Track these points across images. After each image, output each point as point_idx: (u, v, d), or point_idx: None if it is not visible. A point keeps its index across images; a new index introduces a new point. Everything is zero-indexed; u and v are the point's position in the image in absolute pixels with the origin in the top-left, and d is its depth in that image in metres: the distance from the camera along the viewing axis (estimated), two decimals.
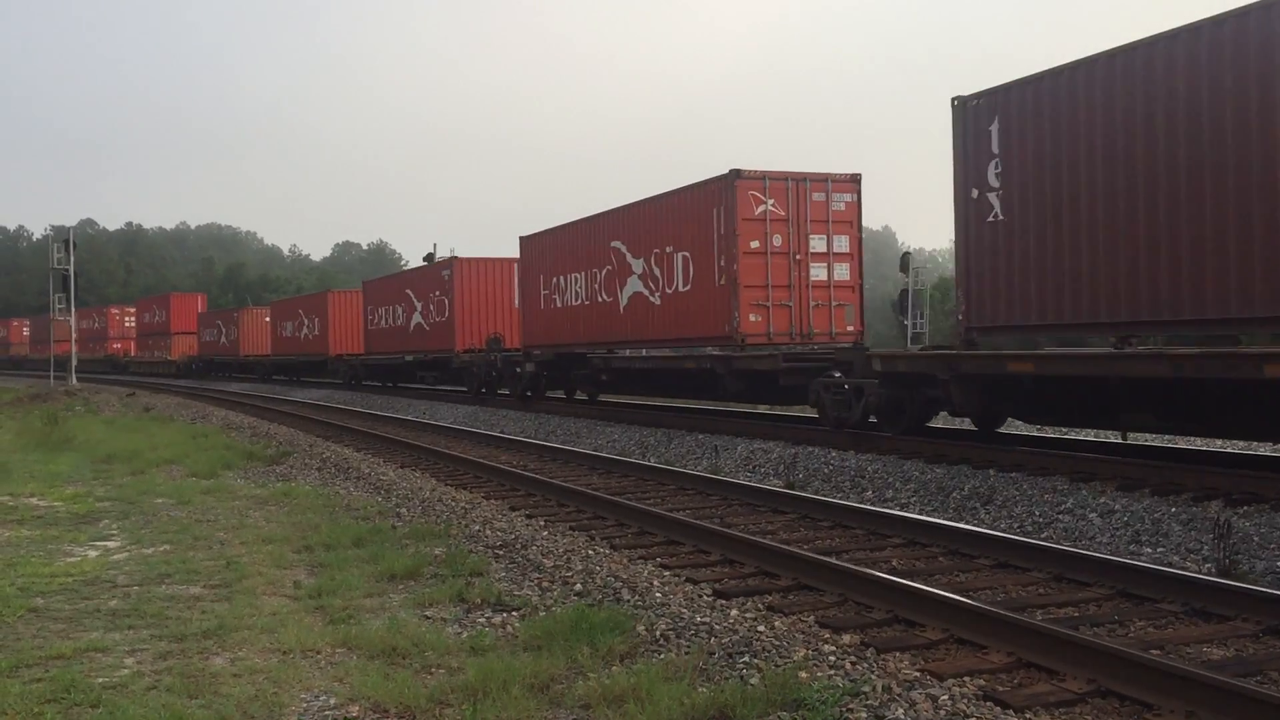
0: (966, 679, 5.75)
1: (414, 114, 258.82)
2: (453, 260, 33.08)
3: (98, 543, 10.06)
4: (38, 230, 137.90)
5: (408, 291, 36.99)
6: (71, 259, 45.90)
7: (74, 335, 48.90)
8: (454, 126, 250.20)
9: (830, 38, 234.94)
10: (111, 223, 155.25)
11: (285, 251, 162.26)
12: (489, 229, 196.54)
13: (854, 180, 19.67)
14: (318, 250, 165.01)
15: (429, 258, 42.44)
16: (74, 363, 48.43)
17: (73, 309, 47.34)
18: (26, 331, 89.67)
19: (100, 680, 5.80)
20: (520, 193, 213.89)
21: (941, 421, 16.92)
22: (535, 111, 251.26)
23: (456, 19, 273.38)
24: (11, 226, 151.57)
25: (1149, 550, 9.31)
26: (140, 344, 71.55)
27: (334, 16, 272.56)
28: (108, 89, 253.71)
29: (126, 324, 76.09)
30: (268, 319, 54.51)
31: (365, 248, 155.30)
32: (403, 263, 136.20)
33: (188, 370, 60.72)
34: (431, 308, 34.58)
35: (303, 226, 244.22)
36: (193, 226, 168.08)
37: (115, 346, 74.36)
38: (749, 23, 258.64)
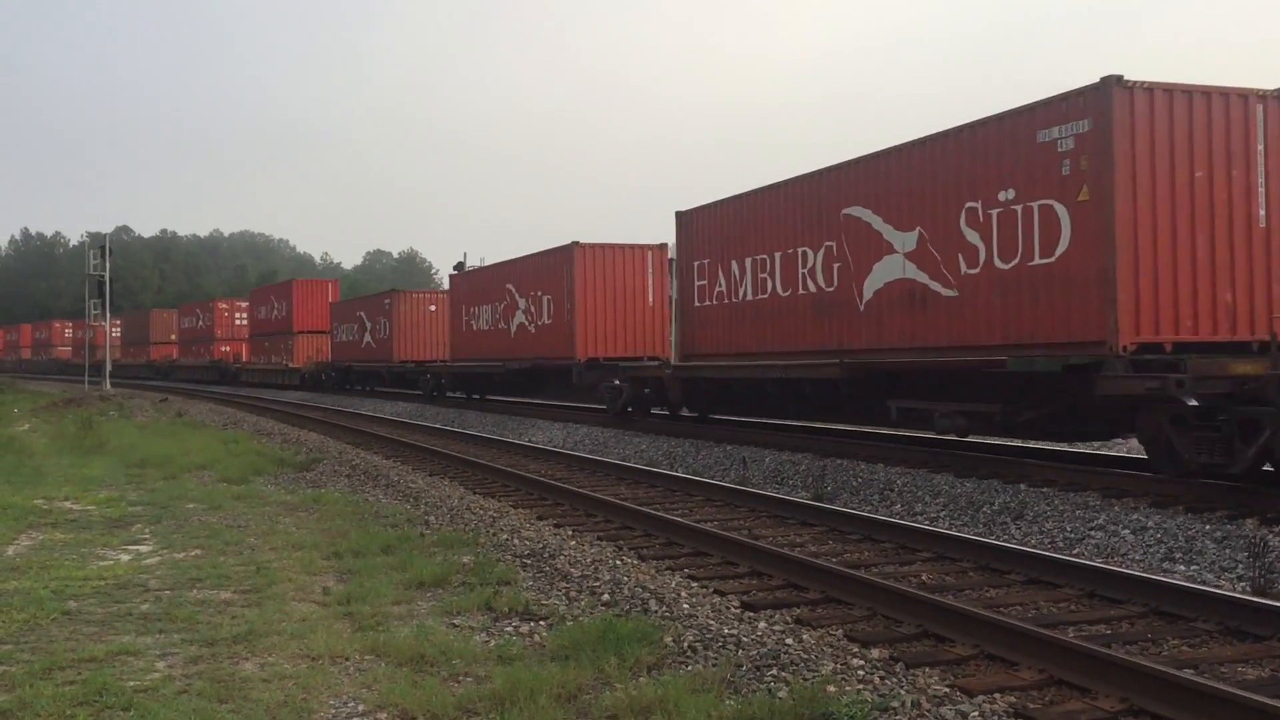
0: (997, 696, 5.70)
1: (448, 128, 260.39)
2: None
3: (130, 546, 10.15)
4: (74, 237, 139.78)
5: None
6: (107, 265, 46.42)
7: (109, 339, 49.38)
8: (492, 142, 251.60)
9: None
10: (146, 230, 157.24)
11: (317, 259, 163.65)
12: (520, 240, 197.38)
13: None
14: (349, 259, 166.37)
15: (459, 266, 41.96)
16: (108, 368, 48.92)
17: (107, 314, 47.85)
18: (70, 334, 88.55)
19: (132, 683, 5.85)
20: (556, 209, 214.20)
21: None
22: (579, 133, 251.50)
23: (498, 40, 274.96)
24: (49, 233, 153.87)
25: (1182, 568, 9.20)
26: (254, 346, 57.17)
27: (369, 31, 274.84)
28: (144, 99, 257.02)
29: (238, 321, 62.33)
30: (432, 308, 40.55)
31: (396, 256, 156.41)
32: (434, 273, 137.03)
33: (316, 380, 47.61)
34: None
35: (334, 235, 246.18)
36: (226, 234, 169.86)
37: (223, 350, 61.49)
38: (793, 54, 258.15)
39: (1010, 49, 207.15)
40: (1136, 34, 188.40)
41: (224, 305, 65.09)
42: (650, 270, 26.65)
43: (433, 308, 40.35)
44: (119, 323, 77.53)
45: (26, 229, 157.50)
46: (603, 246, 26.64)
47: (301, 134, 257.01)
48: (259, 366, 54.11)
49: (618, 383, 23.40)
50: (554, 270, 27.65)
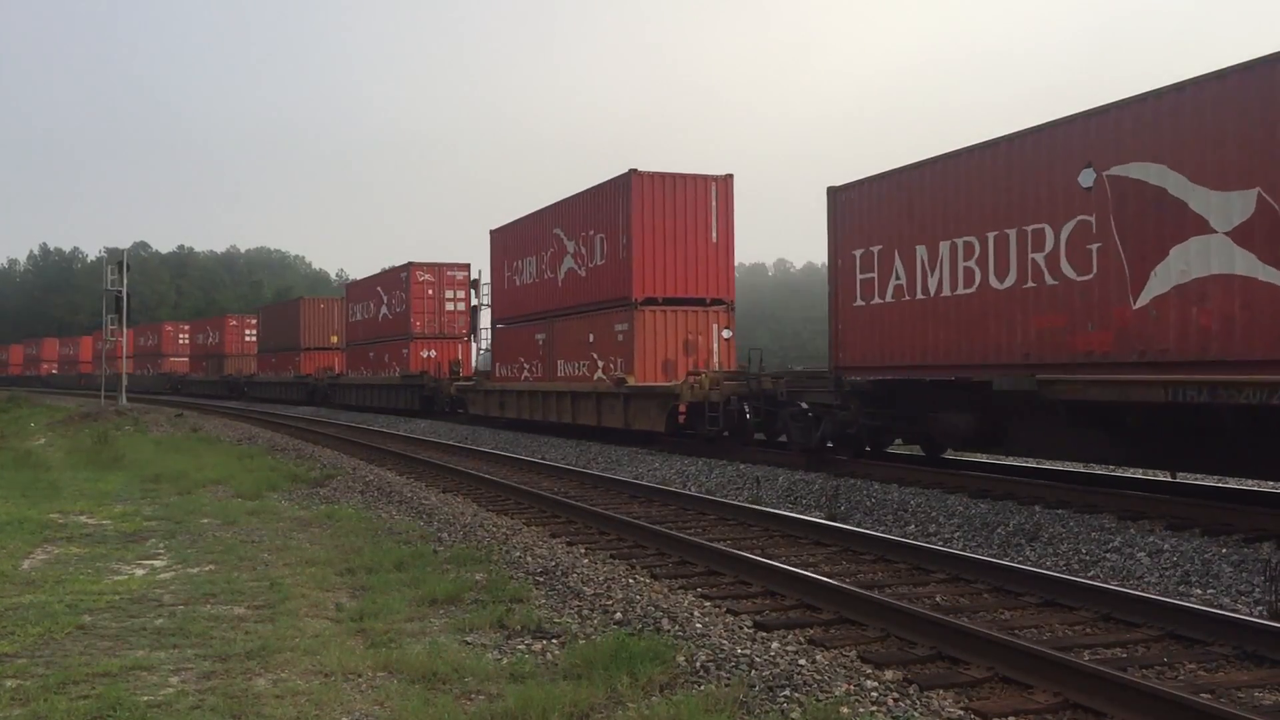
0: (1012, 719, 5.66)
1: (462, 145, 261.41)
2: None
3: (145, 561, 10.18)
4: (92, 252, 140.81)
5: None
6: (124, 280, 46.66)
7: (125, 352, 49.65)
8: (500, 158, 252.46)
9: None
10: (164, 246, 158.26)
11: (333, 275, 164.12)
12: None
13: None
14: (363, 274, 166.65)
15: (474, 284, 41.67)
16: (124, 382, 49.11)
17: (124, 329, 48.08)
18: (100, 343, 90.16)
19: (145, 698, 5.86)
20: None
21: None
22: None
23: (504, 56, 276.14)
24: (67, 248, 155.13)
25: (1198, 591, 9.13)
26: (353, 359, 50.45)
27: (382, 51, 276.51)
28: (163, 117, 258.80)
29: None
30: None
31: None
32: None
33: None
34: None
35: (349, 251, 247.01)
36: (242, 250, 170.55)
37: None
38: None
39: None
40: None
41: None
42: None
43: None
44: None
45: (45, 245, 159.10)
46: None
47: (318, 151, 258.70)
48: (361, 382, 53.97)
49: (805, 406, 18.18)
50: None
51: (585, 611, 7.97)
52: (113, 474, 18.25)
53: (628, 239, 23.99)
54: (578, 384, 26.06)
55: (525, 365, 30.15)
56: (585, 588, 8.74)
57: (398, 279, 42.80)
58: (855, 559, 10.59)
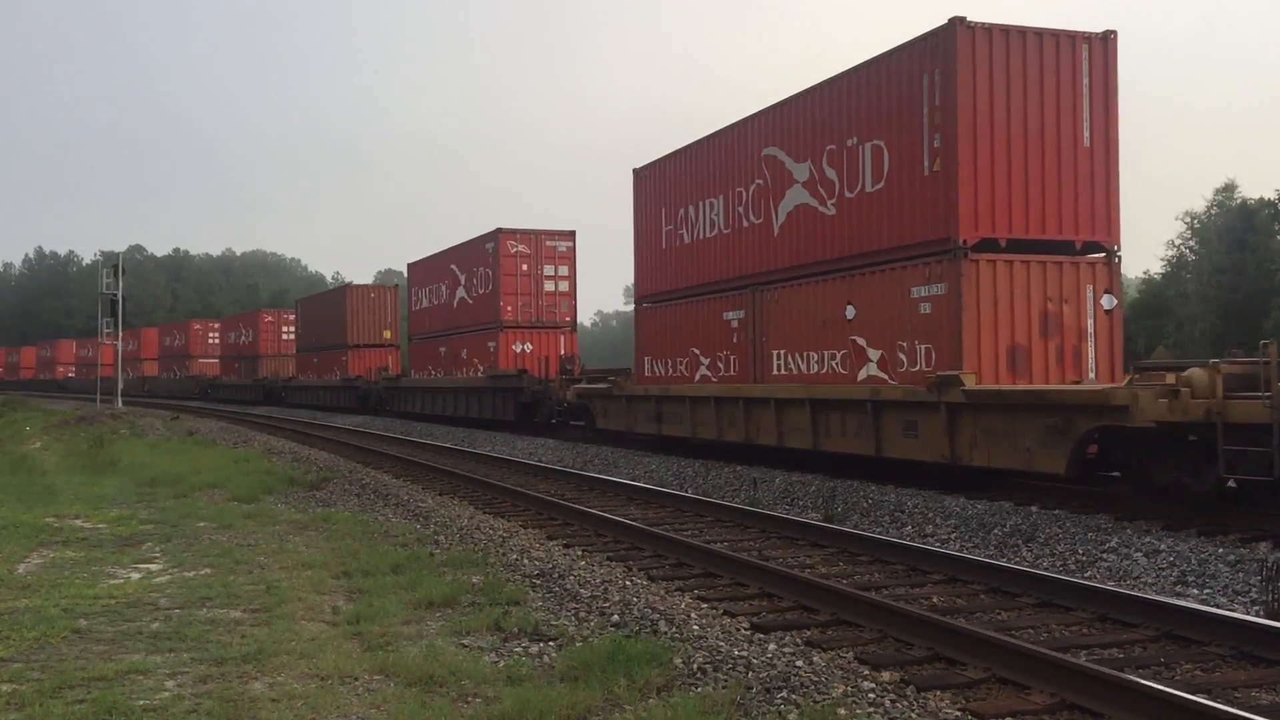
0: (1009, 719, 5.66)
1: (457, 145, 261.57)
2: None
3: (141, 565, 10.17)
4: (87, 256, 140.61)
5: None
6: (120, 284, 46.63)
7: (119, 357, 49.54)
8: (498, 159, 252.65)
9: None
10: (159, 249, 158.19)
11: (329, 278, 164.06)
12: None
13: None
14: (360, 277, 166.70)
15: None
16: (120, 385, 49.08)
17: (119, 333, 48.04)
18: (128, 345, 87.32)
19: (141, 702, 5.85)
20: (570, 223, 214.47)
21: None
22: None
23: (501, 55, 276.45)
24: (62, 252, 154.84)
25: (1195, 591, 9.14)
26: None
27: (376, 51, 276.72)
28: (156, 121, 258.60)
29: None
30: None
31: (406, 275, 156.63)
32: None
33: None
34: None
35: (346, 253, 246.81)
36: (238, 253, 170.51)
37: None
38: None
39: None
40: None
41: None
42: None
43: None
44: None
45: (40, 248, 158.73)
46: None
47: (316, 154, 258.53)
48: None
49: None
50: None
51: (582, 614, 7.97)
52: (108, 477, 18.23)
53: (948, 139, 14.30)
54: (824, 386, 16.65)
55: (702, 359, 20.68)
56: (582, 590, 8.74)
57: (481, 252, 33.34)
58: (852, 560, 10.59)
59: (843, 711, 5.56)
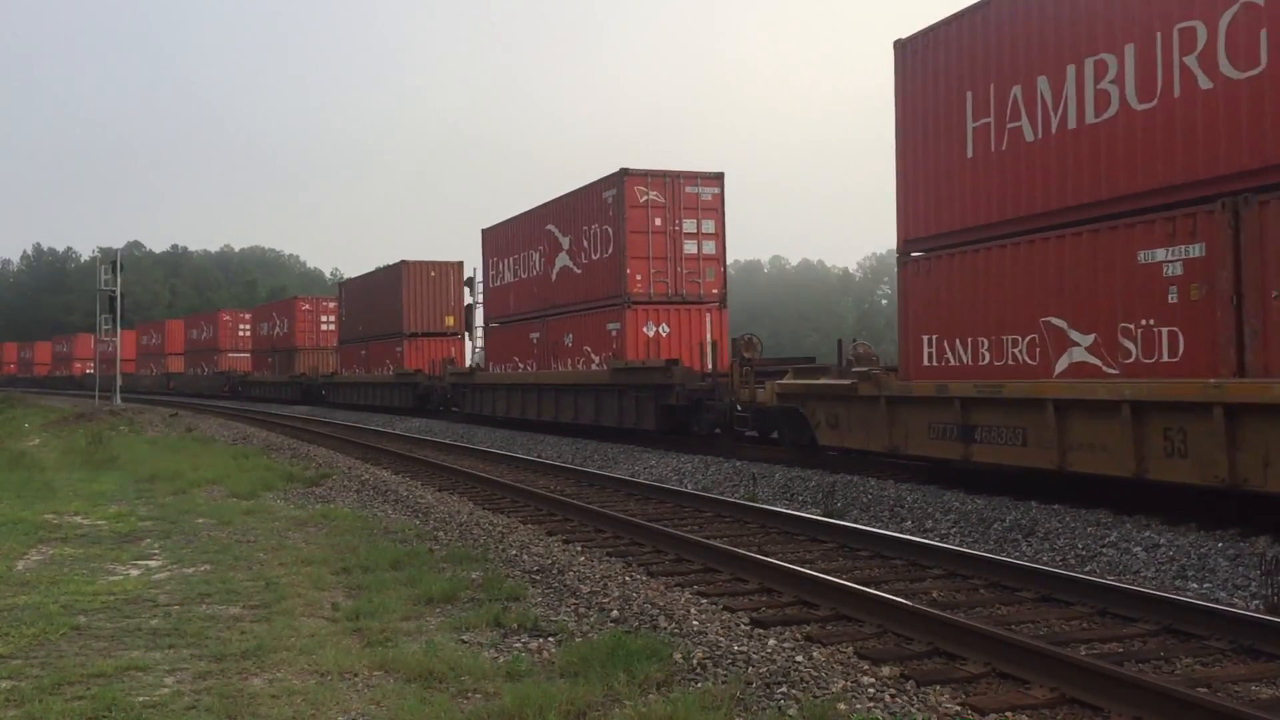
0: (1009, 714, 5.67)
1: (456, 140, 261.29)
2: None
3: (140, 562, 10.15)
4: (85, 252, 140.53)
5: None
6: (118, 280, 46.58)
7: (119, 353, 49.49)
8: (499, 151, 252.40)
9: None
10: (158, 245, 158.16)
11: (327, 275, 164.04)
12: None
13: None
14: (358, 273, 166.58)
15: (469, 281, 40.38)
16: (119, 382, 49.05)
17: (118, 329, 48.01)
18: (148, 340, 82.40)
19: (140, 699, 5.84)
20: None
21: None
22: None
23: (510, 45, 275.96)
24: (60, 248, 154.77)
25: (1195, 586, 9.14)
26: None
27: (379, 53, 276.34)
28: (154, 117, 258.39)
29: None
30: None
31: None
32: None
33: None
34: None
35: (344, 250, 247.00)
36: (236, 249, 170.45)
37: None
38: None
39: None
40: None
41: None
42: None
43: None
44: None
45: (39, 245, 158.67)
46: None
47: (312, 150, 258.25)
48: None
49: None
50: None
51: (582, 609, 7.96)
52: (107, 474, 18.20)
53: None
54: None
55: (1077, 336, 12.06)
56: (582, 585, 8.73)
57: (597, 203, 25.23)
58: (852, 555, 10.59)
59: (842, 706, 5.55)
